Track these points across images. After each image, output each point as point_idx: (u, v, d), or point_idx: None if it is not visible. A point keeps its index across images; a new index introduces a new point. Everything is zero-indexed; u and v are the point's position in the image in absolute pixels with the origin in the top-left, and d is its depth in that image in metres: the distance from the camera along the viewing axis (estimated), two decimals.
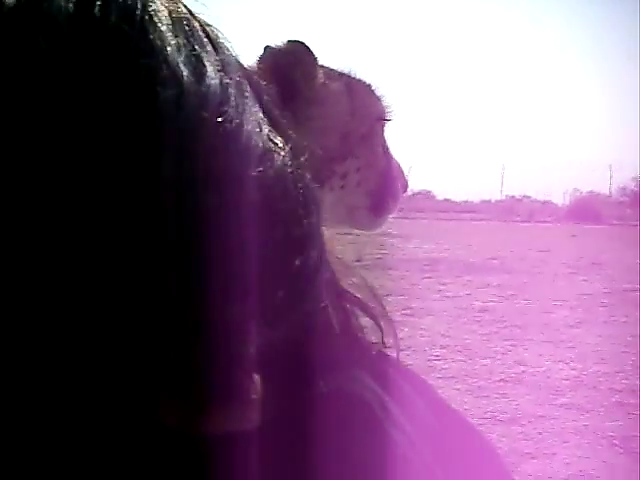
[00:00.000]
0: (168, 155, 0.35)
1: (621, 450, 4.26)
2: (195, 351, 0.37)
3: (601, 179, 26.75)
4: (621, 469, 4.01)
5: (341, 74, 1.22)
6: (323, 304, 0.46)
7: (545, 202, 26.34)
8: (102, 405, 0.37)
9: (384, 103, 1.24)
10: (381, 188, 1.21)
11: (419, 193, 29.16)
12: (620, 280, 9.64)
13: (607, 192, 26.97)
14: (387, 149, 1.24)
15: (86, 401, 0.36)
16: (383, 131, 1.24)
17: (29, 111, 0.34)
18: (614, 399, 5.17)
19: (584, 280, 9.89)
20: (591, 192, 25.34)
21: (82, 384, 0.36)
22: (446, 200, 28.70)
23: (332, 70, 1.21)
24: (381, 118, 1.23)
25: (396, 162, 1.25)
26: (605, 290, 9.17)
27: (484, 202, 27.87)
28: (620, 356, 6.21)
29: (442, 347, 6.33)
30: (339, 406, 0.45)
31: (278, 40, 1.15)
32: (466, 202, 27.98)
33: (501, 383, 5.48)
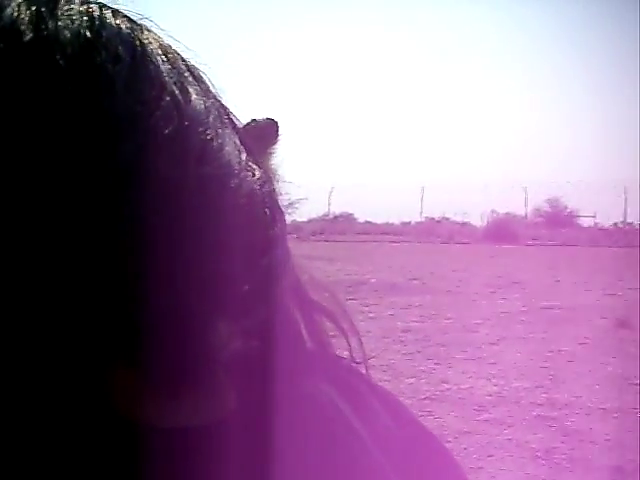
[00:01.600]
0: (164, 159, 0.40)
1: (543, 462, 4.38)
2: (151, 335, 0.40)
3: (517, 201, 27.39)
4: None
5: None
6: (290, 310, 0.50)
7: (464, 223, 26.76)
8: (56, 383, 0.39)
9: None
10: None
11: (340, 216, 29.32)
12: (537, 298, 9.91)
13: (523, 213, 27.67)
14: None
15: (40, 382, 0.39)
16: None
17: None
18: (535, 413, 5.31)
19: (503, 299, 10.12)
20: (508, 213, 25.91)
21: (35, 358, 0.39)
22: (367, 222, 28.91)
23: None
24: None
25: None
26: (523, 308, 9.41)
27: (404, 224, 28.18)
28: (539, 371, 6.39)
29: (367, 367, 6.35)
30: (297, 409, 0.47)
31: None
32: (387, 224, 28.25)
33: (426, 401, 5.56)
